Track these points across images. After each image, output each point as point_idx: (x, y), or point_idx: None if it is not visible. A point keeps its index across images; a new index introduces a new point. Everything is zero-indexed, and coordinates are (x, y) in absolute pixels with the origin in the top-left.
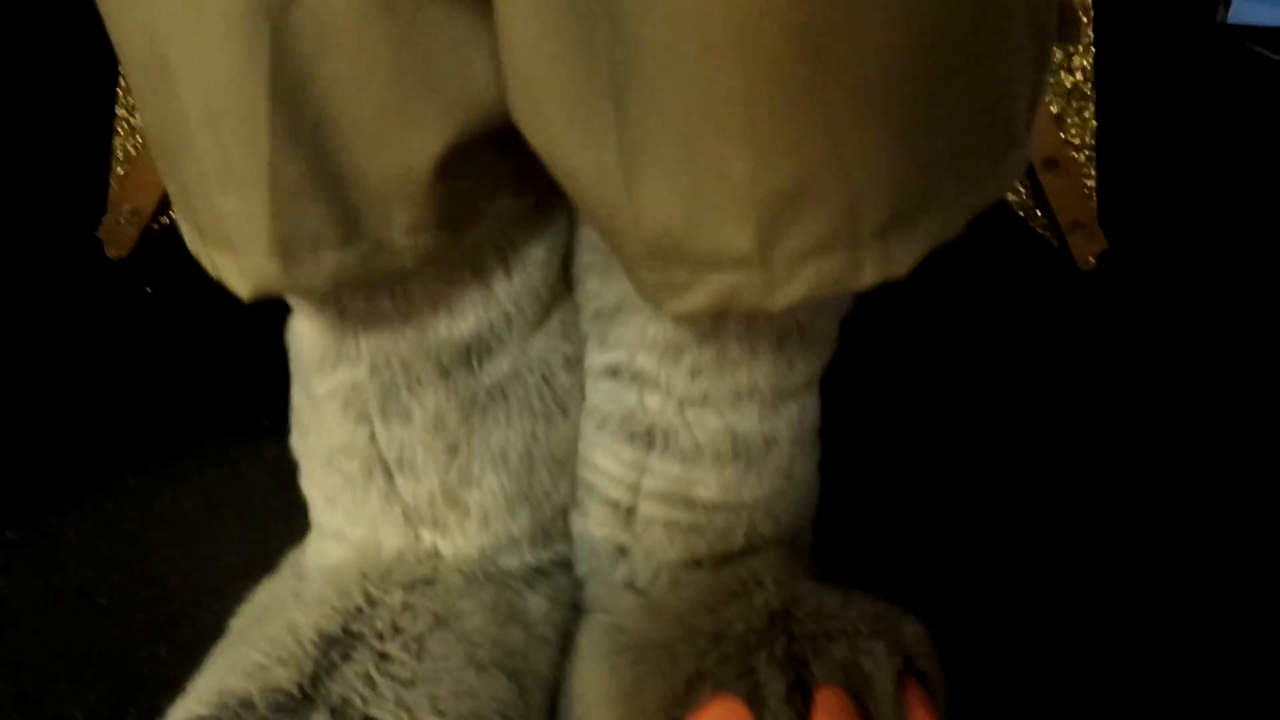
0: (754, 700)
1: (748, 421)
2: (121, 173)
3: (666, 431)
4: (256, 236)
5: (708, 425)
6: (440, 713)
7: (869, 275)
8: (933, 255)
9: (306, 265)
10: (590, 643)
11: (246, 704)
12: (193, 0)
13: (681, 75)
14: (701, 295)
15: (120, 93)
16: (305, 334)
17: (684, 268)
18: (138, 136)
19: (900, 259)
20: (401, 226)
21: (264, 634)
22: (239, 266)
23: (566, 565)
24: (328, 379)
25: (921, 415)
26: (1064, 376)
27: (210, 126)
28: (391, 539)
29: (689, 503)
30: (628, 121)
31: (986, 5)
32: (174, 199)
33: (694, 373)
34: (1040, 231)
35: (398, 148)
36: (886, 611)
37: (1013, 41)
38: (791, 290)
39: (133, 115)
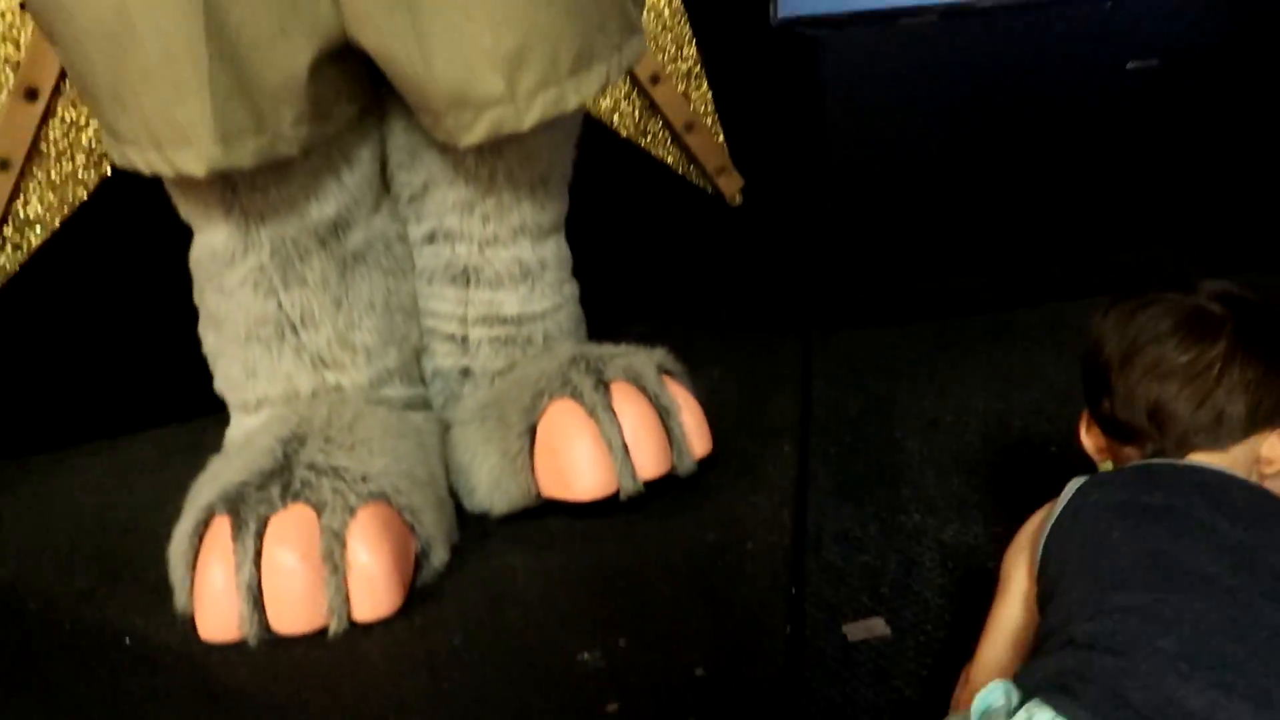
0: (575, 395)
1: (525, 251)
2: None
3: (476, 268)
4: (205, 131)
5: (501, 257)
6: (379, 456)
7: (571, 102)
8: (638, 209)
9: (237, 149)
10: (460, 416)
11: (244, 484)
12: None
13: None
14: (482, 127)
15: None
16: (216, 244)
17: (468, 111)
18: None
19: (586, 90)
20: (289, 120)
21: (231, 464)
22: (194, 154)
23: (427, 404)
24: (238, 269)
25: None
26: (729, 277)
27: (165, 58)
28: (305, 383)
29: (502, 320)
30: (421, 22)
31: None
32: (127, 133)
33: (484, 219)
34: (697, 181)
35: (285, 60)
36: (643, 347)
37: None
38: (531, 115)
39: None
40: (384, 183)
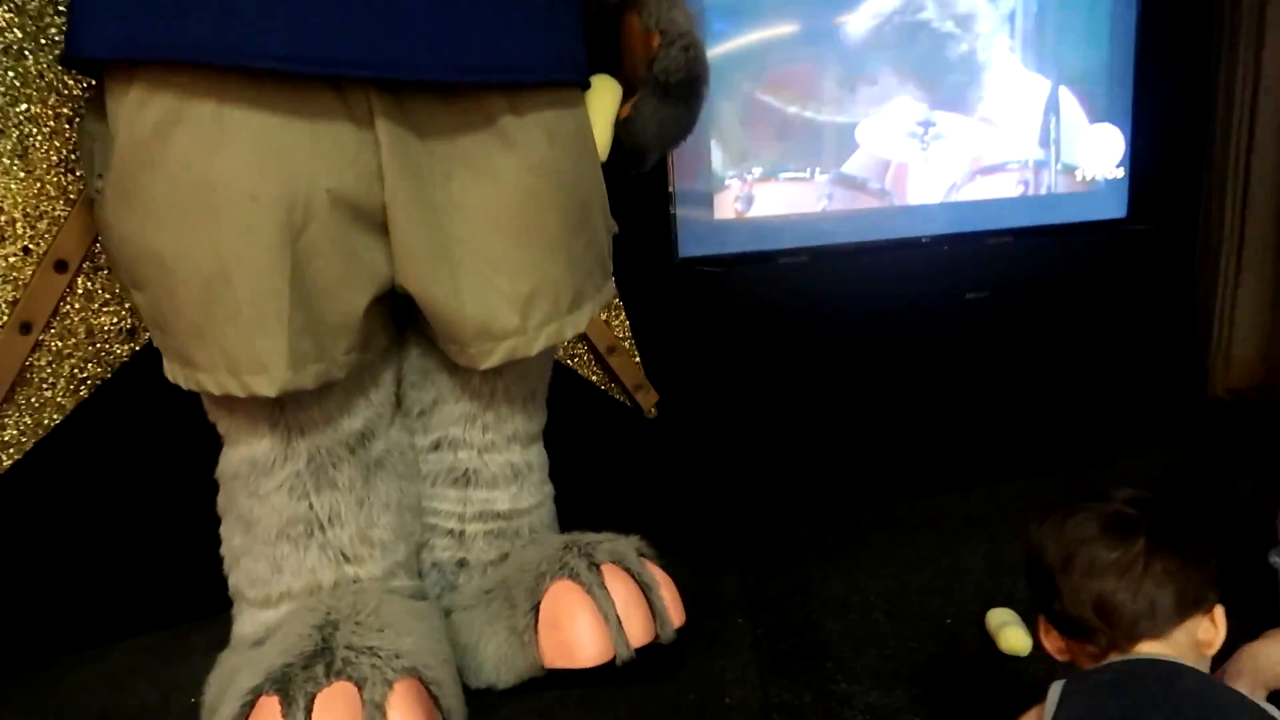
0: (573, 576)
1: (517, 455)
2: None
3: (475, 471)
4: (280, 360)
5: (497, 461)
6: (405, 636)
7: (569, 333)
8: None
9: (302, 373)
10: (460, 602)
11: (289, 665)
12: (248, 232)
13: (480, 239)
14: (500, 353)
15: None
16: (257, 453)
17: (489, 341)
18: None
19: (580, 323)
20: (343, 349)
21: (266, 652)
22: (268, 379)
23: (424, 595)
24: (276, 476)
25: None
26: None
27: (253, 302)
28: (327, 576)
29: (495, 515)
30: (457, 274)
31: (589, 202)
32: (204, 362)
33: (484, 429)
34: (618, 397)
35: (347, 303)
36: (620, 534)
37: (597, 221)
38: (539, 344)
39: None
40: (397, 400)
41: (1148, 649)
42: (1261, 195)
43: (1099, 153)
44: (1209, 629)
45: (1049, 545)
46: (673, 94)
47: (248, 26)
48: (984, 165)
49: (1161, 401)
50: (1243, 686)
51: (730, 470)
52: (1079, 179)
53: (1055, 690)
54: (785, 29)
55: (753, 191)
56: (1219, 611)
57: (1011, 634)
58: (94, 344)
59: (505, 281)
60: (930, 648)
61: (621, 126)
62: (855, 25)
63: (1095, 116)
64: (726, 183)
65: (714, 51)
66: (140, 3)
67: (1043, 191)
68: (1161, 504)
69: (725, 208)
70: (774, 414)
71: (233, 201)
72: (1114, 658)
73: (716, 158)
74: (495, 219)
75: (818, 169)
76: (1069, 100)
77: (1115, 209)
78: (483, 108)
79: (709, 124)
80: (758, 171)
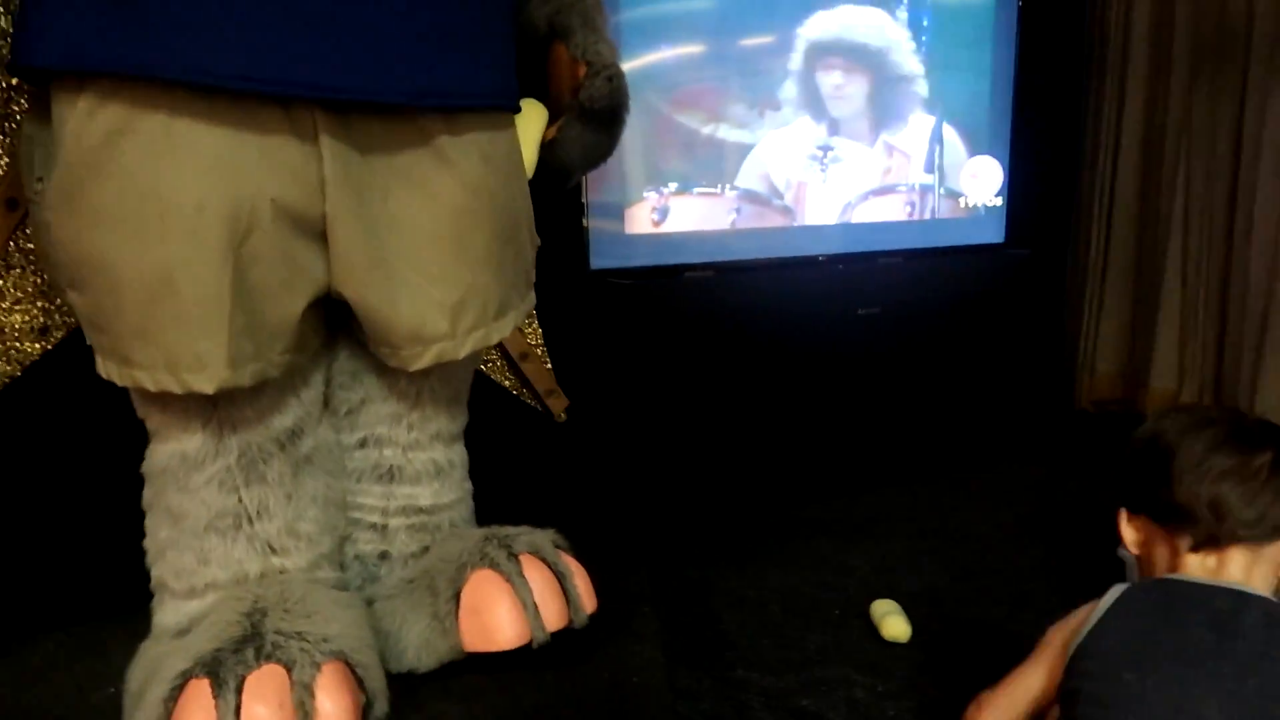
0: (493, 565)
1: (439, 453)
2: None
3: (399, 468)
4: (220, 359)
5: (421, 459)
6: (332, 622)
7: (494, 338)
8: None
9: (240, 372)
10: (381, 592)
11: (219, 650)
12: (194, 239)
13: (415, 250)
14: (430, 356)
15: None
16: (189, 449)
17: (420, 344)
18: None
19: (504, 330)
20: (279, 350)
21: (195, 639)
22: (207, 376)
23: (346, 586)
24: (206, 471)
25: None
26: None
27: (197, 305)
28: (254, 567)
29: (418, 510)
30: (391, 281)
31: (517, 218)
32: (143, 360)
33: (409, 428)
34: (530, 402)
35: (284, 306)
36: (537, 528)
37: (524, 236)
38: (466, 348)
39: None
40: (325, 400)
41: (1237, 555)
42: (1123, 225)
43: (980, 182)
44: None
45: (1171, 436)
46: (596, 120)
47: (199, 45)
48: (876, 188)
49: (1033, 413)
50: None
51: (637, 473)
52: (962, 206)
53: (1114, 592)
54: (695, 49)
55: (668, 204)
56: None
57: (893, 622)
58: (4, 342)
59: (437, 290)
60: (820, 637)
61: (547, 148)
62: (762, 52)
63: (977, 149)
64: (644, 194)
65: (628, 67)
66: (93, 16)
67: (928, 215)
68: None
69: (642, 219)
70: (678, 420)
71: (179, 210)
72: (1194, 558)
73: (632, 172)
74: (430, 232)
75: (726, 185)
76: (952, 133)
77: (994, 234)
78: (421, 128)
79: (624, 140)
80: (673, 186)
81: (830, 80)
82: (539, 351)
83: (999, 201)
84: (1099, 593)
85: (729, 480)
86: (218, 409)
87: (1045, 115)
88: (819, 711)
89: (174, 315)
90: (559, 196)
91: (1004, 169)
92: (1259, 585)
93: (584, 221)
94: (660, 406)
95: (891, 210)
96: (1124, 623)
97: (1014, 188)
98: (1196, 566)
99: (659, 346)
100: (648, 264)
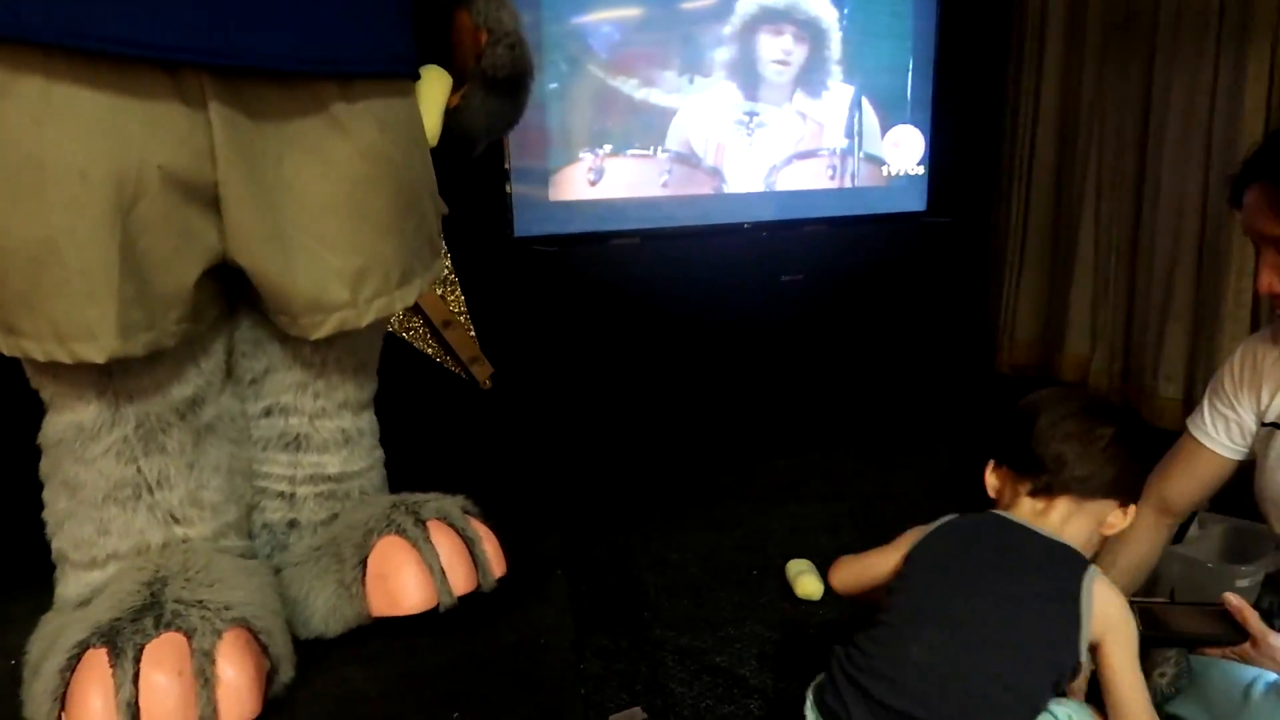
0: (400, 531)
1: (347, 421)
2: None
3: (306, 436)
4: (109, 328)
5: (328, 427)
6: (235, 590)
7: (398, 306)
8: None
9: (132, 342)
10: (289, 559)
11: (117, 619)
12: (77, 207)
13: (311, 218)
14: (330, 325)
15: None
16: (84, 419)
17: (320, 313)
18: None
19: (408, 298)
20: (173, 319)
21: (94, 609)
22: (97, 346)
23: (254, 554)
24: (102, 441)
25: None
26: (481, 446)
27: (82, 274)
28: (156, 537)
29: (326, 478)
30: (289, 250)
31: (418, 186)
32: (29, 330)
33: (315, 396)
34: (453, 369)
35: (177, 275)
36: (447, 494)
37: (426, 204)
38: (368, 317)
39: None
40: (228, 369)
41: (1061, 504)
42: (1040, 194)
43: (902, 151)
44: (1118, 516)
45: (1040, 403)
46: (498, 88)
47: (78, 6)
48: (799, 152)
49: (955, 378)
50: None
51: (561, 440)
52: (884, 174)
53: (948, 517)
54: (632, 12)
55: (603, 164)
56: (1133, 510)
57: (806, 581)
58: None
59: (336, 258)
60: (736, 597)
61: (451, 116)
62: (698, 17)
63: (899, 118)
64: (579, 155)
65: (566, 28)
66: None
67: (848, 177)
68: (1134, 415)
69: (578, 180)
70: (603, 387)
71: (61, 177)
72: (1028, 501)
73: (567, 134)
74: (327, 200)
75: (658, 148)
76: (873, 102)
77: (916, 202)
78: (315, 94)
79: (558, 102)
80: (608, 148)
81: (778, 45)
82: (462, 319)
83: (921, 170)
84: None
85: (653, 446)
86: (113, 379)
87: (966, 86)
88: (730, 667)
89: (59, 284)
90: (481, 162)
91: (925, 138)
92: (1071, 532)
93: (507, 188)
94: (586, 373)
95: (814, 174)
96: (940, 540)
97: (935, 157)
98: (1027, 509)
99: (583, 313)
100: (573, 231)
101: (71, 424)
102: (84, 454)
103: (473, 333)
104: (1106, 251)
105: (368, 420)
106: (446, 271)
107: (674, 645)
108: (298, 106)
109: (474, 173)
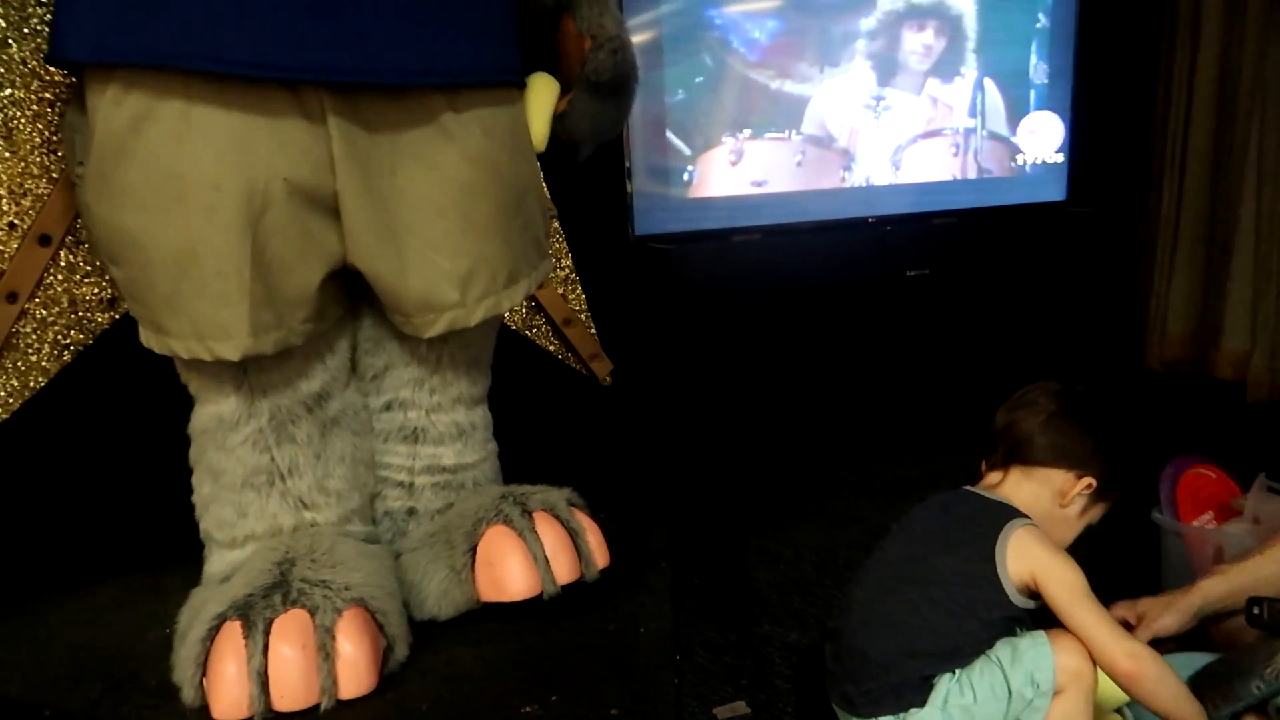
0: (507, 521)
1: (461, 415)
2: None
3: (423, 429)
4: (242, 328)
5: (443, 421)
6: (355, 572)
7: (504, 306)
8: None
9: (263, 340)
10: (407, 545)
11: (251, 595)
12: (213, 216)
13: (422, 223)
14: (441, 324)
15: None
16: (224, 411)
17: (432, 313)
18: None
19: (515, 298)
20: (300, 319)
21: (232, 584)
22: (232, 345)
23: (377, 539)
24: (241, 432)
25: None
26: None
27: (218, 277)
28: (287, 521)
29: (441, 469)
30: (403, 252)
31: (523, 189)
32: (174, 329)
33: (431, 392)
34: (575, 366)
35: (302, 278)
36: (554, 486)
37: (532, 207)
38: (476, 316)
39: None
40: (352, 365)
41: (1014, 472)
42: (1196, 183)
43: (1040, 138)
44: (1069, 484)
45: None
46: (602, 92)
47: (212, 34)
48: (923, 132)
49: (1100, 375)
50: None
51: (679, 435)
52: (1014, 158)
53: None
54: (769, 7)
55: (743, 147)
56: (1086, 482)
57: None
58: (76, 312)
59: (446, 260)
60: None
61: (558, 120)
62: (824, 15)
63: (1034, 104)
64: (722, 139)
65: (712, 27)
66: (116, 11)
67: (971, 155)
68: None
69: (720, 161)
70: (723, 383)
71: (198, 189)
72: (992, 474)
73: (712, 120)
74: (436, 205)
75: (793, 131)
76: (1003, 85)
77: (1055, 192)
78: (425, 106)
79: (701, 93)
80: (747, 132)
81: (919, 40)
82: (583, 317)
83: (1060, 158)
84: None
85: (771, 442)
86: (248, 374)
87: (1111, 69)
88: None
89: (199, 287)
90: (601, 163)
91: (1065, 125)
92: (1023, 499)
93: (628, 187)
94: (707, 369)
95: (938, 152)
96: (915, 509)
97: (1077, 144)
98: (987, 481)
99: (704, 309)
100: (693, 228)
101: (213, 415)
102: (225, 443)
103: (593, 330)
104: (1269, 242)
105: (481, 414)
106: (568, 270)
107: (781, 641)
108: (409, 117)
109: (596, 173)
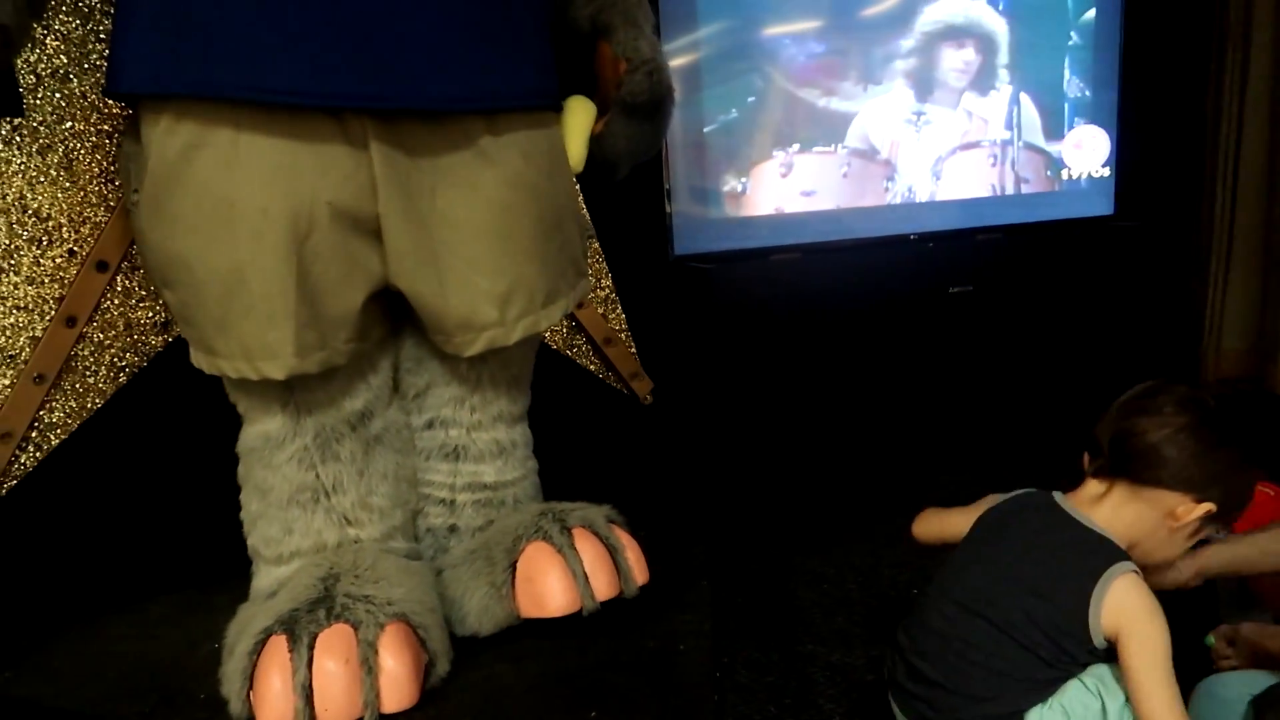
0: (546, 538)
1: (502, 433)
2: None
3: (464, 447)
4: (288, 348)
5: (484, 439)
6: (397, 588)
7: (543, 325)
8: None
9: (307, 360)
10: (449, 562)
11: (296, 610)
12: (260, 240)
13: (462, 244)
14: (481, 343)
15: None
16: (270, 429)
17: (471, 332)
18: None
19: (553, 318)
20: (343, 339)
21: (278, 600)
22: (278, 364)
23: (419, 555)
24: (286, 450)
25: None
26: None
27: (265, 299)
28: (332, 537)
29: (482, 487)
30: (443, 273)
31: (561, 211)
32: (223, 350)
33: (471, 410)
34: (615, 385)
35: (345, 299)
36: (593, 503)
37: (569, 227)
38: (515, 335)
39: None
40: (395, 384)
41: (1120, 488)
42: (1249, 194)
43: (1085, 153)
44: (1188, 509)
45: (1137, 391)
46: (638, 114)
47: (260, 66)
48: (961, 144)
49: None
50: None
51: (721, 453)
52: (1065, 177)
53: (1017, 491)
54: (814, 25)
55: (793, 159)
56: (1205, 507)
57: None
58: (131, 336)
59: (485, 281)
60: (893, 615)
61: (595, 142)
62: (864, 36)
63: (1077, 119)
64: (773, 153)
65: (757, 44)
66: (169, 45)
67: (1008, 166)
68: (1242, 416)
69: (771, 173)
70: (765, 402)
71: (247, 214)
72: (1092, 482)
73: (760, 136)
74: (476, 227)
75: (839, 145)
76: (1041, 100)
77: (1102, 206)
78: (464, 130)
79: (753, 109)
80: (795, 146)
81: (960, 57)
82: (623, 336)
83: (1106, 172)
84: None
85: (814, 461)
86: (294, 394)
87: (1159, 81)
88: (880, 685)
89: (246, 308)
90: (640, 184)
91: (1111, 138)
92: (1126, 520)
93: (667, 207)
94: (748, 388)
95: (976, 163)
96: (996, 514)
97: (1123, 157)
98: (1087, 491)
99: (744, 328)
100: (732, 247)
101: (261, 434)
102: (271, 460)
103: (633, 349)
104: None
105: (521, 432)
106: (608, 290)
107: (825, 661)
108: (448, 142)
109: (635, 194)
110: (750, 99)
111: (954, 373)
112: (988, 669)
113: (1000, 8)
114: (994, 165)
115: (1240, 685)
